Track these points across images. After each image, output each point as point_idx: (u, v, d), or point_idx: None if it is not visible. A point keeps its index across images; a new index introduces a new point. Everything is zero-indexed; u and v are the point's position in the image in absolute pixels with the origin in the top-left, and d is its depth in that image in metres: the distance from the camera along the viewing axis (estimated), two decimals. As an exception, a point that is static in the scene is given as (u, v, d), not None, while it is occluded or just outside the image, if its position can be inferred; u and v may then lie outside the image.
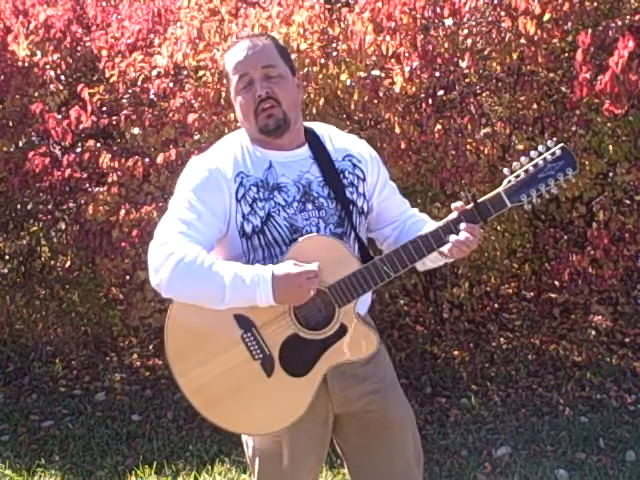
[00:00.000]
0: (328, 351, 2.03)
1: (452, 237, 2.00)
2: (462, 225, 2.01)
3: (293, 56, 3.14)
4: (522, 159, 2.03)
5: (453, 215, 2.03)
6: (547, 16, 3.50)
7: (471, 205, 2.02)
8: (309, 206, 2.07)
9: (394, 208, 2.25)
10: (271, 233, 2.04)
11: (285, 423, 2.07)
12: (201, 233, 2.00)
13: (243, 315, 2.02)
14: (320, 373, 2.04)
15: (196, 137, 3.85)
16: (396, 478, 2.22)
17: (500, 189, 2.03)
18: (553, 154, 2.00)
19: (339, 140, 2.18)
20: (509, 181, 2.02)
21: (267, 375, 2.04)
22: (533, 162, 2.01)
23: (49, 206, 4.63)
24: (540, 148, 2.02)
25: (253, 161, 2.08)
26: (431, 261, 2.14)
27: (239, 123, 2.16)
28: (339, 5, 4.13)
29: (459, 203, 2.03)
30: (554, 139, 2.04)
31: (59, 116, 3.99)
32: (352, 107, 3.73)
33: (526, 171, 2.01)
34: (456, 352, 4.58)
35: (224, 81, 3.77)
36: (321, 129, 2.19)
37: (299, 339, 2.02)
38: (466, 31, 3.81)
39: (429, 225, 2.14)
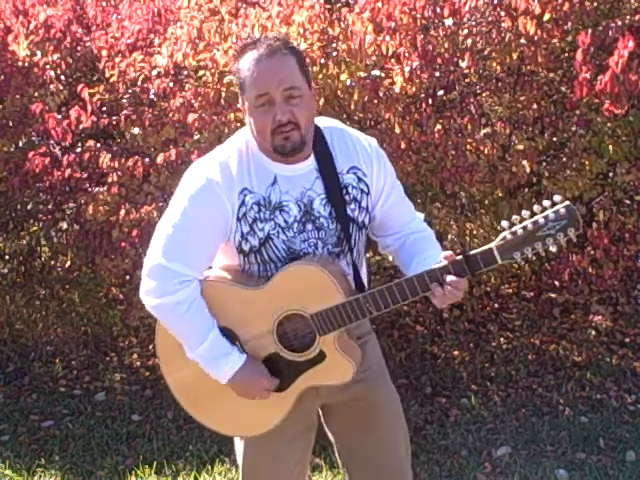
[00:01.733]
0: (305, 373, 2.07)
1: (437, 290, 1.95)
2: (449, 278, 1.94)
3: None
4: (523, 213, 1.90)
5: (442, 263, 1.97)
6: (547, 16, 3.49)
7: (461, 257, 1.96)
8: (309, 226, 2.06)
9: (399, 217, 2.21)
10: (267, 254, 2.06)
11: (259, 431, 2.14)
12: (194, 253, 2.04)
13: (229, 328, 2.08)
14: (297, 391, 2.10)
15: (196, 137, 3.85)
16: (386, 466, 2.25)
17: (493, 244, 1.93)
18: (556, 212, 1.87)
19: (346, 145, 2.12)
20: (504, 237, 1.91)
21: None
22: (534, 219, 1.89)
23: (49, 206, 4.62)
24: (545, 203, 1.89)
25: (258, 173, 2.04)
26: None
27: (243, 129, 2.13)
28: (339, 5, 4.13)
29: (449, 252, 1.97)
30: (560, 198, 1.88)
31: (59, 116, 3.98)
32: (352, 107, 3.73)
33: (524, 228, 1.89)
34: (456, 352, 4.58)
35: (225, 80, 3.79)
36: (328, 130, 2.13)
37: (279, 358, 2.07)
38: (466, 31, 3.81)
39: (428, 252, 2.10)
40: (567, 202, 1.89)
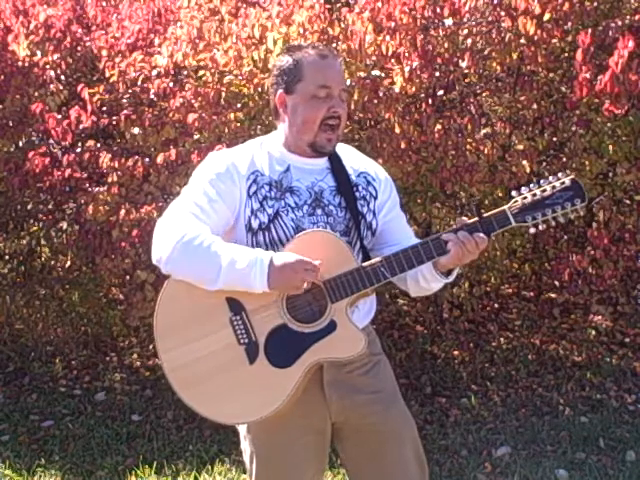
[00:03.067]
0: (314, 346, 2.02)
1: (453, 248, 2.00)
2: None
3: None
4: (531, 185, 2.05)
5: (457, 226, 2.04)
6: (547, 16, 3.50)
7: (475, 219, 2.03)
8: (318, 211, 2.10)
9: (397, 231, 2.23)
10: (276, 231, 2.07)
11: (256, 416, 2.04)
12: (210, 217, 2.04)
13: (235, 298, 2.03)
14: (302, 368, 2.02)
15: (196, 137, 3.85)
16: None
17: (506, 207, 2.05)
18: (562, 183, 2.03)
19: (357, 160, 2.24)
20: (515, 201, 2.04)
21: (249, 362, 2.02)
22: (541, 188, 2.04)
23: (49, 206, 4.63)
24: (551, 178, 2.05)
25: (271, 164, 2.12)
26: (425, 279, 2.12)
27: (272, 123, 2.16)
28: (339, 5, 4.14)
29: (464, 218, 2.06)
30: (567, 171, 2.05)
31: (59, 116, 3.99)
32: (352, 107, 3.73)
33: (534, 195, 2.04)
34: (456, 352, 4.58)
35: (225, 80, 3.79)
36: (341, 148, 2.23)
37: (287, 330, 2.02)
38: (466, 31, 3.82)
39: None
40: (572, 176, 2.06)
